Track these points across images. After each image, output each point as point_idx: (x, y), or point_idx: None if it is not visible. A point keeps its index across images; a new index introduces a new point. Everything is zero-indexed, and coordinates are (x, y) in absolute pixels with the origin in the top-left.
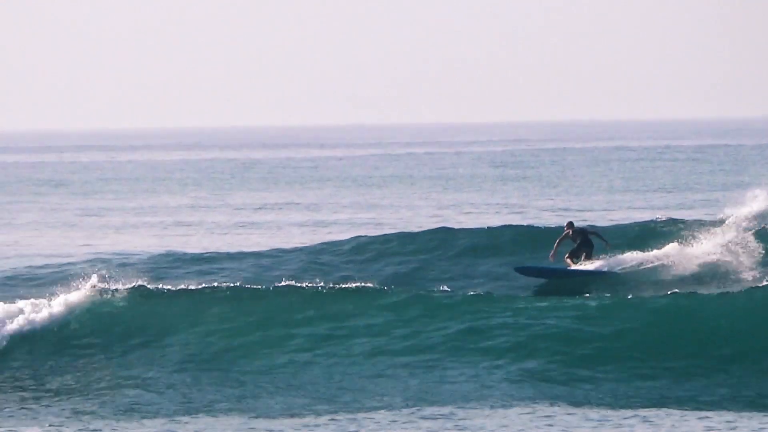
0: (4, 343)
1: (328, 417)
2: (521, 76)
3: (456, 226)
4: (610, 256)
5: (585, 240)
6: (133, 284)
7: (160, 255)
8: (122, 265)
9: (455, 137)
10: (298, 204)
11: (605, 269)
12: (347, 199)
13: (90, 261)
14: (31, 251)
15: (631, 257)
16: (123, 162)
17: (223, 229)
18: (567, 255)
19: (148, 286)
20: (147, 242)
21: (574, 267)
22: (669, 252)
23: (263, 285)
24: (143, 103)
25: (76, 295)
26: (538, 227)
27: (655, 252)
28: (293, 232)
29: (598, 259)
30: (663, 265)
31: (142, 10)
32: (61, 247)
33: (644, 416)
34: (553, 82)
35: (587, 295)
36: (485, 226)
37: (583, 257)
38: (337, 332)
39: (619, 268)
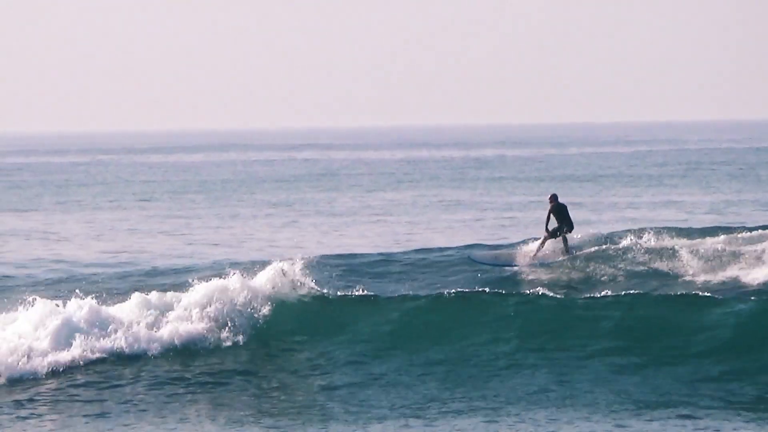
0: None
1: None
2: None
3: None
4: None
5: (565, 217)
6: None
7: (381, 253)
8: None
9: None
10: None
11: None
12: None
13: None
14: (245, 244)
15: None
16: (338, 159)
17: (442, 224)
18: (547, 231)
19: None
20: (364, 239)
21: (530, 259)
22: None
23: (473, 289)
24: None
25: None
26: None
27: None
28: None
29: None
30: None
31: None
32: (270, 241)
33: None
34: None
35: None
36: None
37: (564, 232)
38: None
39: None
